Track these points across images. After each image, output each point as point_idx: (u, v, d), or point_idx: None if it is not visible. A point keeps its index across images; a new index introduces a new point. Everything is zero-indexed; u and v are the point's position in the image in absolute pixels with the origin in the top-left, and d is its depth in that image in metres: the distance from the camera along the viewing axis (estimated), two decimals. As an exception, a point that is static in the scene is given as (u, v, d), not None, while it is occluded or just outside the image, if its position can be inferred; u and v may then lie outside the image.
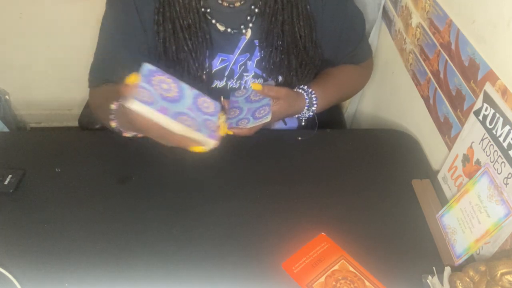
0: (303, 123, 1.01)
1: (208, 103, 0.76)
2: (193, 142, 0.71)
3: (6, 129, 1.75)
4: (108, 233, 0.77)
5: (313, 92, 0.96)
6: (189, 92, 0.74)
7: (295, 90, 0.96)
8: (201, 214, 0.81)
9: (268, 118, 0.83)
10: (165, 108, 0.68)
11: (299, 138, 0.99)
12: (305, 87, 0.97)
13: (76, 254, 0.74)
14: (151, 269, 0.72)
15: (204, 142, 0.71)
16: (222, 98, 0.88)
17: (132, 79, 0.68)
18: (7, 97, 1.93)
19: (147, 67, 0.71)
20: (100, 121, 1.03)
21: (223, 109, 0.83)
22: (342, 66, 1.07)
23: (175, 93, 0.72)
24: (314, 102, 0.96)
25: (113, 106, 0.81)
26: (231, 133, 0.82)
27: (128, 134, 0.84)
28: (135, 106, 0.66)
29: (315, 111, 0.97)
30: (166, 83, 0.72)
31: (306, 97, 0.96)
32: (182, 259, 0.74)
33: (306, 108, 0.96)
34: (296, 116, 0.98)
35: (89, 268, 0.72)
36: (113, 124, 0.83)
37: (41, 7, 1.69)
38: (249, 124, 0.83)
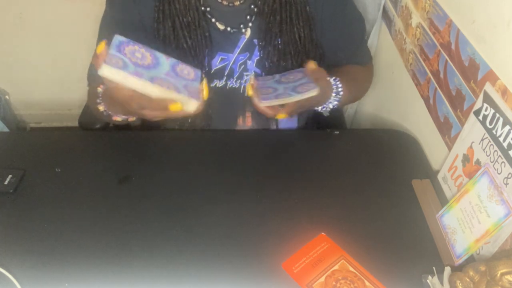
0: (305, 122, 0.99)
1: (188, 70, 0.72)
2: (169, 102, 0.67)
3: (6, 129, 1.75)
4: (108, 233, 0.77)
5: (338, 79, 0.92)
6: (165, 60, 0.71)
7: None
8: (201, 214, 0.81)
9: (316, 91, 0.76)
10: (140, 73, 0.64)
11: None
12: (328, 75, 0.91)
13: (76, 254, 0.74)
14: (151, 269, 0.72)
15: (186, 103, 0.67)
16: (252, 76, 0.83)
17: (101, 47, 0.65)
18: (7, 97, 1.93)
19: (118, 38, 0.68)
20: (95, 115, 1.02)
21: (205, 77, 0.76)
22: (348, 66, 1.05)
23: (150, 61, 0.68)
24: (340, 90, 0.92)
25: (99, 89, 0.81)
26: (206, 95, 0.73)
27: (117, 117, 0.83)
28: (106, 71, 0.62)
29: (340, 101, 0.93)
30: (139, 52, 0.68)
31: (333, 83, 0.92)
32: (182, 259, 0.74)
33: (333, 96, 0.91)
34: (320, 106, 0.94)
35: (89, 268, 0.72)
36: (101, 108, 0.82)
37: (41, 7, 1.69)
38: (292, 98, 0.76)
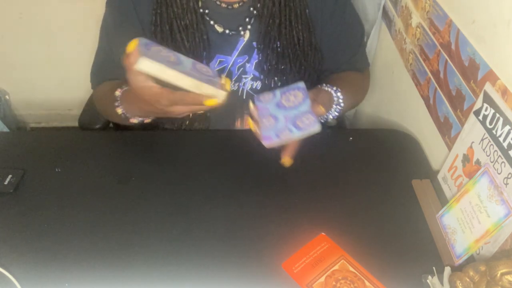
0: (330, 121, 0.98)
1: (206, 68, 0.74)
2: (205, 97, 0.70)
3: (6, 129, 1.75)
4: (108, 233, 0.77)
5: (339, 90, 0.91)
6: (185, 59, 0.73)
7: (321, 88, 0.91)
8: (201, 214, 0.81)
9: (316, 128, 0.75)
10: (172, 68, 0.67)
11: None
12: (329, 85, 0.91)
13: (76, 254, 0.74)
14: (151, 269, 0.72)
15: (216, 94, 0.70)
16: (251, 103, 0.82)
17: (132, 45, 0.66)
18: (7, 97, 1.93)
19: (143, 40, 0.70)
20: (105, 116, 1.03)
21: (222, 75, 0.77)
22: (347, 72, 1.04)
23: (174, 59, 0.71)
24: (341, 100, 0.91)
25: (118, 93, 0.81)
26: (229, 88, 0.74)
27: (134, 120, 0.84)
28: (145, 64, 0.64)
29: (340, 111, 0.92)
30: (164, 52, 0.71)
31: (334, 95, 0.91)
32: (182, 259, 0.74)
33: (334, 107, 0.90)
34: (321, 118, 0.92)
35: (89, 268, 0.72)
36: (119, 110, 0.83)
37: (41, 7, 1.69)
38: (294, 136, 0.75)
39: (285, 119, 0.78)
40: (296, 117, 0.78)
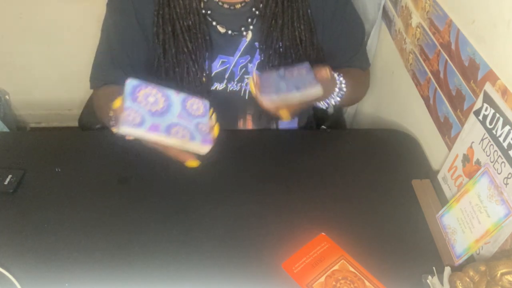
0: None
1: (197, 104, 0.76)
2: (188, 154, 0.73)
3: (6, 129, 1.75)
4: (108, 233, 0.77)
5: (341, 75, 0.91)
6: (176, 98, 0.74)
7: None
8: (201, 214, 0.81)
9: (318, 90, 0.75)
10: (156, 125, 0.69)
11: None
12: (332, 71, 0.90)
13: (76, 254, 0.74)
14: (151, 269, 0.72)
15: (199, 149, 0.72)
16: (254, 73, 0.82)
17: (117, 103, 0.70)
18: (7, 97, 1.93)
19: (131, 83, 0.72)
20: (101, 121, 1.03)
21: (211, 109, 0.79)
22: (349, 68, 1.04)
23: (162, 104, 0.72)
24: (343, 86, 0.91)
25: (111, 114, 0.81)
26: (217, 132, 0.76)
27: (131, 137, 0.84)
28: (126, 130, 0.67)
29: (342, 97, 0.91)
30: (152, 95, 0.72)
31: (337, 79, 0.90)
32: (182, 259, 0.74)
33: (337, 91, 0.90)
34: (322, 101, 0.92)
35: (89, 268, 0.72)
36: (114, 130, 0.84)
37: (41, 7, 1.69)
38: (294, 96, 0.75)
39: (287, 86, 0.78)
40: (298, 83, 0.78)
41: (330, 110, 0.97)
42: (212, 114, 0.77)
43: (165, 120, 0.71)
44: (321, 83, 0.79)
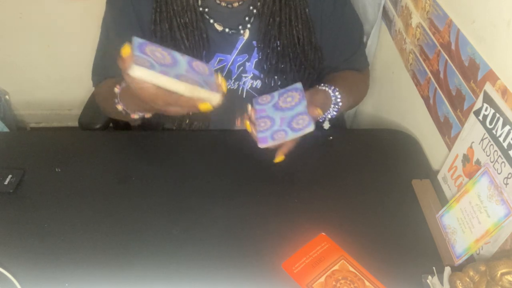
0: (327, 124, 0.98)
1: (202, 66, 0.75)
2: (199, 100, 0.70)
3: (6, 129, 1.75)
4: (108, 233, 0.77)
5: (336, 89, 0.91)
6: (182, 58, 0.73)
7: (319, 88, 0.91)
8: (201, 214, 0.81)
9: (311, 128, 0.77)
10: (166, 72, 0.67)
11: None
12: (327, 84, 0.91)
13: (76, 254, 0.74)
14: (151, 269, 0.72)
15: (210, 98, 0.70)
16: (249, 106, 0.84)
17: (126, 50, 0.67)
18: (7, 97, 1.93)
19: (137, 40, 0.70)
20: (107, 114, 1.03)
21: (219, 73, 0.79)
22: (346, 72, 1.04)
23: (169, 60, 0.71)
24: (339, 100, 0.91)
25: (116, 90, 0.82)
26: (225, 90, 0.74)
27: (135, 115, 0.85)
28: (138, 71, 0.65)
29: (338, 110, 0.92)
30: (158, 52, 0.71)
31: (332, 94, 0.90)
32: (182, 259, 0.74)
33: (332, 106, 0.91)
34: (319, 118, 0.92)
35: (89, 268, 0.72)
36: (119, 107, 0.84)
37: (41, 7, 1.69)
38: (289, 137, 0.78)
39: (281, 121, 0.80)
40: (292, 118, 0.80)
41: (326, 125, 0.97)
42: (218, 75, 0.76)
43: (174, 71, 0.69)
44: (313, 118, 0.80)
